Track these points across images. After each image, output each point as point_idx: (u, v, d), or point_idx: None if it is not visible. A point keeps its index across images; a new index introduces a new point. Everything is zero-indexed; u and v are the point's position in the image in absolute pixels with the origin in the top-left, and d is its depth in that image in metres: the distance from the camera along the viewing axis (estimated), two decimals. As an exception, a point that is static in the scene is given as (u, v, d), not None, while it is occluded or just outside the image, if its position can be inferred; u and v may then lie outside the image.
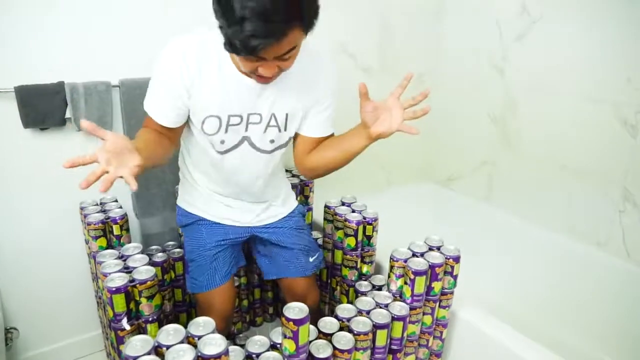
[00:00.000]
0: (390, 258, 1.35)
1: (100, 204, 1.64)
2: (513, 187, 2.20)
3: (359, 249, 1.62)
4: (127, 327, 1.22)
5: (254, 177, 1.35)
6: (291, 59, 1.05)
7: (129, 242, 1.60)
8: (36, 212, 1.65)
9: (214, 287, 1.44)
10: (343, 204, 1.72)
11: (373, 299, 1.30)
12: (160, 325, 1.29)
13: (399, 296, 1.34)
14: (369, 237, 1.62)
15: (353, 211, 1.65)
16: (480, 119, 2.27)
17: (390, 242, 1.48)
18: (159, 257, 1.71)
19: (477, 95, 2.27)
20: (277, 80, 1.16)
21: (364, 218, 1.61)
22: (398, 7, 2.19)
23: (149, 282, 1.22)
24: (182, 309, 1.83)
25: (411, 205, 2.40)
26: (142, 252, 1.37)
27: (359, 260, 1.63)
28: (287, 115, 1.25)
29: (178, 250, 1.77)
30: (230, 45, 0.95)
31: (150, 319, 1.26)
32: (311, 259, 1.54)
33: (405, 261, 1.32)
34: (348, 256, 1.62)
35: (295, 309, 1.08)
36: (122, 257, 1.33)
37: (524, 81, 2.06)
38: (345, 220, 1.59)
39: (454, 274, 1.37)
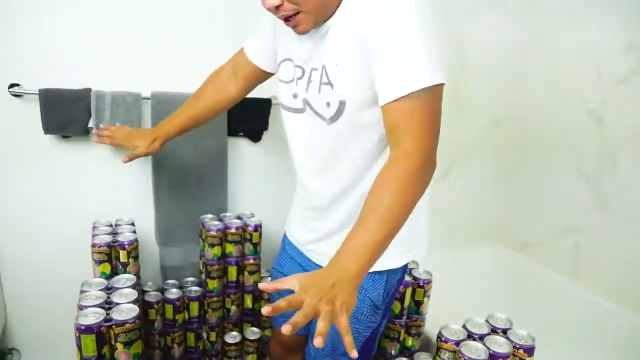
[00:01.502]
0: (438, 337, 1.04)
1: (114, 225, 1.47)
2: (606, 262, 1.80)
3: (404, 317, 1.31)
4: (95, 379, 0.99)
5: (314, 159, 1.03)
6: None
7: (137, 271, 1.40)
8: (47, 230, 1.51)
9: (276, 327, 1.29)
10: None
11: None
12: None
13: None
14: (418, 304, 1.32)
15: (414, 279, 1.35)
16: (568, 176, 1.92)
17: (444, 313, 1.16)
18: (173, 293, 1.52)
19: (565, 146, 1.93)
20: (335, 28, 0.90)
21: (414, 279, 1.31)
22: (476, 41, 1.94)
23: (127, 325, 0.99)
24: (194, 357, 1.59)
25: (475, 271, 2.04)
26: (135, 286, 1.15)
27: (402, 331, 1.32)
28: (336, 65, 0.91)
29: (196, 288, 1.56)
30: None
31: (126, 374, 1.03)
32: None
33: (458, 344, 1.00)
34: (390, 324, 1.31)
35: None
36: (109, 289, 1.12)
37: (627, 132, 1.71)
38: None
39: (526, 367, 1.02)
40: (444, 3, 1.83)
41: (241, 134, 1.66)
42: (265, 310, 0.68)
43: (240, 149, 1.70)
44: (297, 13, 0.86)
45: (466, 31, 1.92)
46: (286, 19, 0.88)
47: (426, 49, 0.82)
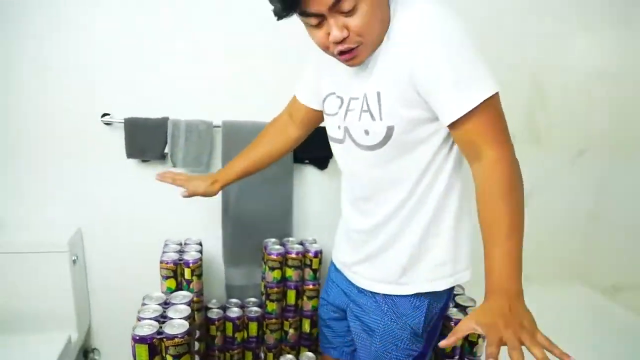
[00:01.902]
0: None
1: (183, 244, 1.59)
2: None
3: (456, 356, 1.25)
4: (145, 386, 1.07)
5: (361, 186, 1.05)
6: (358, 13, 0.83)
7: (200, 288, 1.50)
8: (127, 242, 1.67)
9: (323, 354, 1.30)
10: (457, 305, 1.36)
11: None
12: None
13: None
14: (472, 344, 1.26)
15: (456, 306, 1.29)
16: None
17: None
18: (234, 312, 1.60)
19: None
20: (376, 53, 0.91)
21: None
22: (557, 65, 1.81)
23: (177, 339, 1.07)
24: (252, 375, 1.65)
25: (554, 315, 1.86)
26: (190, 303, 1.22)
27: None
28: (378, 94, 0.92)
29: (256, 309, 1.62)
30: (273, 4, 0.83)
31: (173, 385, 1.09)
32: None
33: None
34: (440, 363, 1.26)
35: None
36: (167, 304, 1.20)
37: None
38: (449, 318, 1.24)
39: None
40: (524, 28, 1.76)
41: (307, 161, 1.71)
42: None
43: (307, 176, 1.75)
44: (358, 46, 0.88)
45: (548, 57, 1.81)
46: (344, 53, 0.88)
47: (475, 62, 0.84)
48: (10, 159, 1.55)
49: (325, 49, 0.90)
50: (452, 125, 0.87)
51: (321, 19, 0.84)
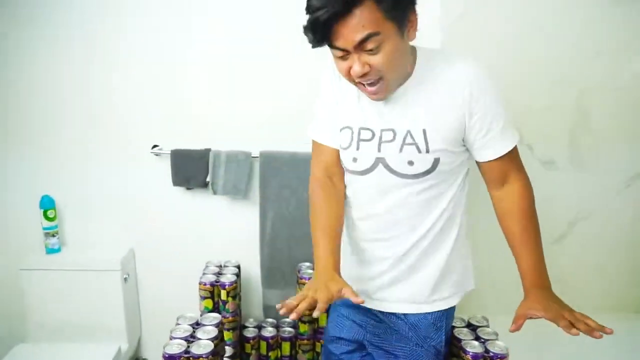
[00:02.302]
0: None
1: (223, 266, 1.70)
2: None
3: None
4: (173, 400, 1.17)
5: (391, 212, 1.09)
6: (381, 53, 0.92)
7: (235, 309, 1.59)
8: (172, 262, 1.82)
9: None
10: (469, 325, 1.37)
11: None
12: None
13: None
14: None
15: (476, 338, 1.29)
16: None
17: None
18: (269, 331, 1.68)
19: None
20: (413, 92, 1.03)
21: (487, 351, 1.24)
22: (600, 81, 1.73)
23: (201, 359, 1.16)
24: (284, 393, 1.72)
25: (605, 346, 1.77)
26: (219, 325, 1.31)
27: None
28: (424, 131, 1.02)
29: (289, 329, 1.70)
30: (305, 31, 0.93)
31: (199, 400, 1.19)
32: None
33: None
34: (455, 396, 1.26)
35: None
36: (197, 325, 1.31)
37: None
38: (461, 349, 1.25)
39: None
40: (570, 46, 1.71)
41: (340, 188, 1.78)
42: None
43: (341, 201, 1.81)
44: (379, 79, 0.96)
45: (595, 78, 1.73)
46: (367, 84, 0.97)
47: (507, 113, 1.04)
48: (72, 189, 1.76)
49: (348, 77, 0.98)
50: (494, 161, 1.05)
51: (346, 52, 0.94)
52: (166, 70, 1.66)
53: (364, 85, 0.98)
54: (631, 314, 1.91)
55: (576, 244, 1.84)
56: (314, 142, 1.19)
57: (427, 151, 1.02)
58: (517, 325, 0.96)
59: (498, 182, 1.08)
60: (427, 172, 1.04)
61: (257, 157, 1.70)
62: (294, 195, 1.71)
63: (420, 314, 1.13)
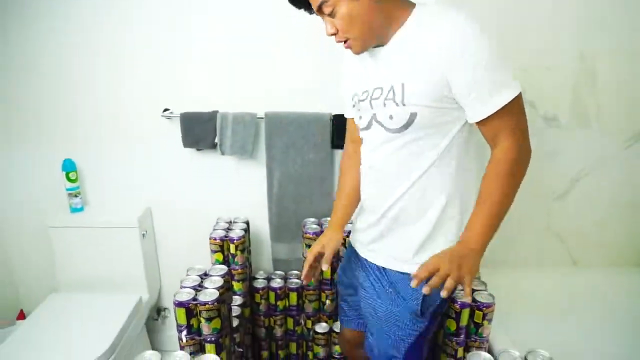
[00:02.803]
0: None
1: (232, 222, 1.80)
2: None
3: (462, 336, 1.33)
4: (184, 340, 1.30)
5: (381, 165, 1.15)
6: (337, 16, 1.03)
7: (244, 262, 1.70)
8: (187, 217, 1.93)
9: (343, 327, 1.47)
10: None
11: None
12: (219, 348, 1.32)
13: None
14: (478, 325, 1.32)
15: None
16: None
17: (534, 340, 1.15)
18: (277, 282, 1.79)
19: None
20: (397, 47, 1.06)
21: (474, 301, 1.31)
22: (606, 42, 1.71)
23: (208, 305, 1.27)
24: (293, 338, 1.85)
25: (603, 299, 1.82)
26: (225, 276, 1.42)
27: (460, 349, 1.34)
28: (403, 85, 1.05)
29: (296, 281, 1.80)
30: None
31: (207, 339, 1.31)
32: None
33: (477, 370, 1.02)
34: (447, 340, 1.35)
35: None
36: (205, 275, 1.42)
37: None
38: (450, 299, 1.32)
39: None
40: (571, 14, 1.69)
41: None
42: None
43: (345, 160, 1.86)
44: (347, 39, 1.06)
45: (601, 39, 1.71)
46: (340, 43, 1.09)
47: (503, 66, 0.99)
48: (92, 152, 1.87)
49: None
50: (481, 122, 1.02)
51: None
52: (176, 37, 1.72)
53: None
54: (630, 268, 1.95)
55: (578, 200, 1.86)
56: (348, 121, 1.35)
57: (404, 104, 1.04)
58: (418, 273, 0.98)
59: (490, 143, 1.06)
60: (405, 126, 1.06)
61: (262, 118, 1.76)
62: (299, 154, 1.78)
63: (401, 273, 1.15)
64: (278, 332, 1.83)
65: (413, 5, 1.07)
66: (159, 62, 1.75)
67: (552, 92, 1.73)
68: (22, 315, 2.03)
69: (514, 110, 1.01)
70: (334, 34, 1.06)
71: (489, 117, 1.00)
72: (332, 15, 1.03)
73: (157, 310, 2.07)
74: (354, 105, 1.21)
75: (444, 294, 0.95)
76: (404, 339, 1.18)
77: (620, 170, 1.82)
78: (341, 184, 1.37)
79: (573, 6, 1.67)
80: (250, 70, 1.74)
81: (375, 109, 1.11)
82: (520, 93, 1.00)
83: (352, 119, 1.29)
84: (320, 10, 1.04)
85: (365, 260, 1.25)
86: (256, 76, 1.75)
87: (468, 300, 1.10)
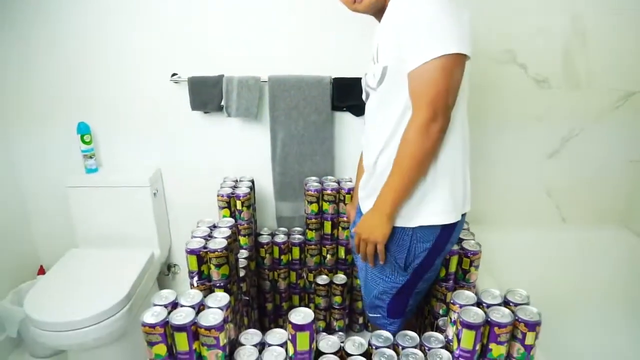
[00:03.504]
0: (450, 300, 1.17)
1: (238, 181, 1.89)
2: None
3: (450, 281, 1.44)
4: (195, 285, 1.41)
5: (369, 121, 1.26)
6: None
7: (249, 217, 1.81)
8: (196, 177, 2.03)
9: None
10: None
11: (420, 339, 1.15)
12: (228, 293, 1.43)
13: (448, 343, 1.15)
14: (465, 272, 1.43)
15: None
16: None
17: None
18: (280, 238, 1.90)
19: None
20: (384, 18, 1.16)
21: (462, 249, 1.42)
22: (593, 3, 1.75)
23: (217, 252, 1.38)
24: (296, 291, 1.97)
25: (589, 254, 1.93)
26: (232, 227, 1.52)
27: (449, 294, 1.44)
28: (377, 46, 1.16)
29: (299, 237, 1.91)
30: None
31: (216, 285, 1.42)
32: (369, 314, 1.39)
33: (461, 307, 1.12)
34: (437, 286, 1.46)
35: (300, 314, 1.08)
36: (214, 227, 1.52)
37: None
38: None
39: (526, 343, 1.09)
40: None
41: (344, 109, 1.90)
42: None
43: (345, 122, 1.93)
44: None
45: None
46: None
47: (439, 24, 1.01)
48: (104, 116, 1.96)
49: None
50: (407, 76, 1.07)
51: None
52: (183, 5, 1.78)
53: None
54: (616, 226, 2.05)
55: (568, 160, 1.94)
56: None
57: (377, 61, 1.15)
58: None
59: (411, 107, 1.09)
60: (380, 81, 1.14)
61: (266, 81, 1.83)
62: (301, 116, 1.86)
63: None
64: (282, 285, 1.95)
65: None
66: (167, 29, 1.82)
67: (542, 54, 1.79)
68: (42, 271, 2.16)
69: (436, 72, 1.01)
70: None
71: (410, 73, 1.05)
72: None
73: (168, 267, 2.20)
74: None
75: (362, 259, 1.22)
76: (387, 291, 1.28)
77: (610, 130, 1.90)
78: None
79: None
80: (253, 36, 1.81)
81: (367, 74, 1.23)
82: (451, 55, 1.00)
83: None
84: None
85: (363, 214, 1.34)
86: (259, 41, 1.82)
87: (381, 263, 1.21)
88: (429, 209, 1.17)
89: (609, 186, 1.98)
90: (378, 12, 1.20)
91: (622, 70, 1.82)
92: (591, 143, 1.90)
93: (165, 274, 2.18)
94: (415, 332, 1.17)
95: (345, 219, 1.81)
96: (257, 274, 1.93)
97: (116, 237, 1.97)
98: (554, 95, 1.83)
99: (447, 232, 1.21)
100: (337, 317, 1.92)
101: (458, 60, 1.03)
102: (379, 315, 1.35)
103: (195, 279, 1.41)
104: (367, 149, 1.28)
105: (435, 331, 1.24)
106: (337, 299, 1.86)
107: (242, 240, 1.80)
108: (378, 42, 1.17)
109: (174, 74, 1.86)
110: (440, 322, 1.38)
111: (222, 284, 1.42)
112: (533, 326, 1.07)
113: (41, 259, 2.19)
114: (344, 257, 1.89)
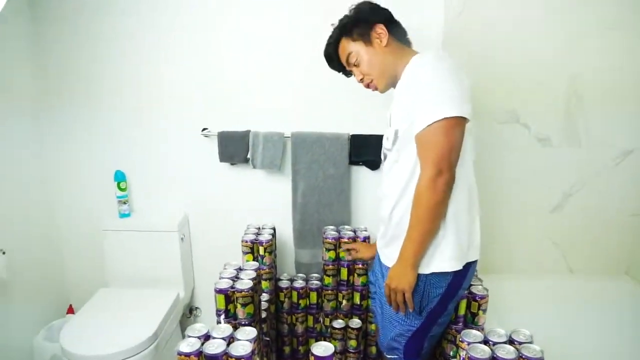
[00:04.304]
0: (459, 339, 1.27)
1: (261, 228, 2.03)
2: None
3: (460, 324, 1.53)
4: (222, 323, 1.52)
5: (385, 177, 1.41)
6: (361, 64, 1.38)
7: (271, 262, 1.93)
8: (220, 223, 2.18)
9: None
10: None
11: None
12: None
13: (458, 380, 1.24)
14: (474, 315, 1.52)
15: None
16: None
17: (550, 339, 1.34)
18: (299, 283, 2.01)
19: None
20: (397, 88, 1.35)
21: (470, 293, 1.52)
22: (591, 64, 1.91)
23: (243, 292, 1.50)
24: (313, 335, 2.05)
25: (590, 303, 2.00)
26: (256, 270, 1.65)
27: (458, 336, 1.53)
28: (392, 111, 1.37)
29: (317, 282, 2.02)
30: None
31: (242, 323, 1.53)
32: (388, 356, 1.48)
33: (469, 344, 1.22)
34: (449, 329, 1.55)
35: (322, 347, 1.18)
36: (240, 270, 1.65)
37: None
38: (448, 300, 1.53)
39: (530, 380, 1.18)
40: (560, 29, 1.89)
41: (360, 163, 2.06)
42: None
43: (361, 175, 2.09)
44: (372, 81, 1.40)
45: (587, 58, 1.91)
46: (367, 85, 1.42)
47: (440, 90, 1.18)
48: (139, 165, 2.14)
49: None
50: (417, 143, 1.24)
51: (351, 70, 1.45)
52: (212, 67, 2.00)
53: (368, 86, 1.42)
54: (618, 275, 2.13)
55: (571, 213, 2.05)
56: None
57: (390, 125, 1.36)
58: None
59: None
60: (393, 141, 1.32)
61: (289, 137, 2.01)
62: (321, 169, 2.02)
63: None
64: (299, 328, 2.03)
65: (415, 52, 1.34)
66: (199, 88, 2.02)
67: (544, 115, 1.96)
68: (71, 310, 2.27)
69: (437, 135, 1.16)
70: (362, 80, 1.41)
71: (416, 137, 1.21)
72: (357, 64, 1.39)
73: (190, 310, 2.30)
74: None
75: (394, 308, 1.33)
76: (403, 334, 1.39)
77: (611, 186, 2.02)
78: None
79: (562, 31, 1.89)
80: (278, 95, 2.01)
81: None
82: (450, 119, 1.15)
83: None
84: (348, 63, 1.41)
85: (382, 262, 1.46)
86: (284, 100, 2.01)
87: (410, 310, 1.32)
88: (440, 257, 1.28)
89: (613, 238, 2.07)
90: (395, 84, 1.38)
91: (620, 130, 1.96)
92: (593, 198, 2.02)
93: (187, 316, 2.28)
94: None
95: (360, 265, 1.92)
96: (276, 318, 2.03)
97: (144, 278, 2.09)
98: (556, 153, 1.97)
99: (459, 279, 1.32)
100: (351, 363, 1.99)
101: (458, 122, 1.18)
102: (396, 356, 1.44)
103: (222, 317, 1.53)
104: (383, 202, 1.41)
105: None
106: (353, 343, 1.93)
107: (264, 284, 1.91)
108: (392, 108, 1.36)
109: (204, 129, 2.05)
110: (451, 363, 1.46)
111: (247, 322, 1.53)
112: (536, 363, 1.17)
113: (71, 299, 2.31)
114: (359, 302, 1.98)
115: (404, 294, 1.29)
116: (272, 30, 1.95)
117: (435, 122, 1.16)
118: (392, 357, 1.46)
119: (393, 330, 1.40)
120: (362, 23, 1.37)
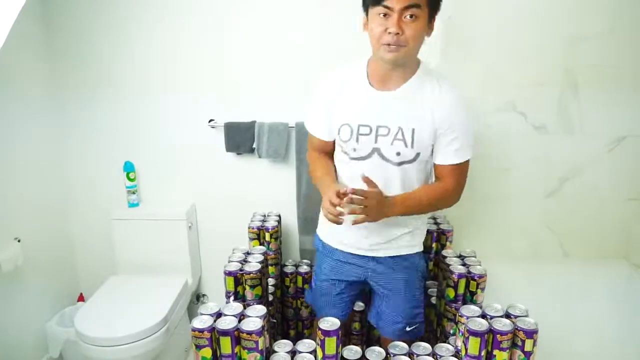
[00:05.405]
0: (458, 314, 1.34)
1: (266, 215, 2.10)
2: None
3: (460, 303, 1.60)
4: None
5: (382, 187, 1.39)
6: (414, 25, 1.23)
7: (277, 248, 1.99)
8: (227, 211, 2.24)
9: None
10: (460, 256, 1.72)
11: (433, 348, 1.32)
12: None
13: (457, 352, 1.31)
14: (472, 294, 1.59)
15: (463, 264, 1.64)
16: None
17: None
18: (304, 269, 2.06)
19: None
20: (405, 95, 1.36)
21: (469, 272, 1.58)
22: (590, 57, 1.97)
23: (252, 274, 1.56)
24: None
25: (587, 287, 2.07)
26: (264, 254, 1.71)
27: (458, 315, 1.60)
28: (413, 130, 1.36)
29: (305, 268, 2.07)
30: None
31: (250, 304, 1.59)
32: (408, 329, 1.56)
33: (468, 318, 1.29)
34: (447, 307, 1.62)
35: (329, 322, 1.25)
36: (248, 254, 1.71)
37: None
38: (449, 270, 1.60)
39: (525, 349, 1.24)
40: (558, 27, 1.95)
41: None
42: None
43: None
44: (403, 46, 1.26)
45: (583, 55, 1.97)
46: (392, 44, 1.25)
47: (471, 135, 1.41)
48: (147, 156, 2.21)
49: (379, 37, 1.26)
50: (440, 165, 1.43)
51: (388, 14, 1.24)
52: (219, 60, 2.06)
53: (387, 45, 1.26)
54: (615, 260, 2.19)
55: (566, 198, 2.12)
56: (309, 132, 1.57)
57: (412, 147, 1.37)
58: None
59: (437, 176, 1.47)
60: (409, 161, 1.40)
61: (293, 127, 2.07)
62: (324, 158, 2.08)
63: (411, 254, 1.54)
64: (304, 312, 2.10)
65: (419, 60, 1.39)
66: (206, 79, 2.08)
67: (540, 104, 2.02)
68: (81, 298, 2.34)
69: (463, 167, 1.44)
70: (397, 34, 1.23)
71: (447, 165, 1.42)
72: (411, 19, 1.23)
73: (197, 297, 2.36)
74: (347, 134, 1.40)
75: (350, 210, 1.32)
76: (418, 296, 1.57)
77: (605, 171, 2.08)
78: (327, 167, 1.53)
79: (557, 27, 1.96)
80: (283, 86, 2.07)
81: (379, 144, 1.39)
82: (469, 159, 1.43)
83: (319, 139, 1.53)
84: (403, 10, 1.22)
85: (372, 257, 1.52)
86: (289, 91, 2.07)
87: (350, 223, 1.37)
88: (421, 240, 1.58)
89: (609, 223, 2.13)
90: (401, 65, 1.34)
91: (613, 117, 2.02)
92: (588, 183, 2.08)
93: (194, 303, 2.35)
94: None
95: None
96: (282, 302, 2.09)
97: (153, 266, 2.16)
98: (551, 140, 2.04)
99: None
100: (355, 344, 2.04)
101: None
102: (417, 323, 1.57)
103: (232, 298, 1.59)
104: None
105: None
106: (356, 325, 2.00)
107: (270, 269, 1.98)
108: (405, 124, 1.36)
109: (210, 120, 2.11)
110: (451, 340, 1.52)
111: (255, 304, 1.59)
112: (531, 334, 1.24)
113: (82, 286, 2.38)
114: (361, 286, 2.04)
115: (365, 216, 1.32)
116: (277, 22, 2.01)
117: (466, 160, 1.43)
118: (415, 324, 1.56)
119: (413, 297, 1.56)
120: (437, 11, 1.32)
